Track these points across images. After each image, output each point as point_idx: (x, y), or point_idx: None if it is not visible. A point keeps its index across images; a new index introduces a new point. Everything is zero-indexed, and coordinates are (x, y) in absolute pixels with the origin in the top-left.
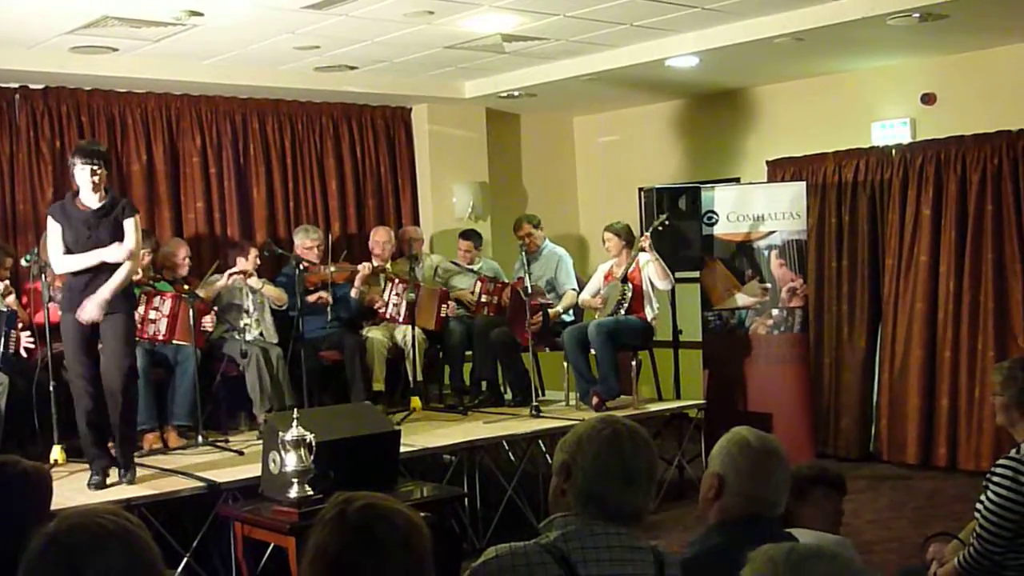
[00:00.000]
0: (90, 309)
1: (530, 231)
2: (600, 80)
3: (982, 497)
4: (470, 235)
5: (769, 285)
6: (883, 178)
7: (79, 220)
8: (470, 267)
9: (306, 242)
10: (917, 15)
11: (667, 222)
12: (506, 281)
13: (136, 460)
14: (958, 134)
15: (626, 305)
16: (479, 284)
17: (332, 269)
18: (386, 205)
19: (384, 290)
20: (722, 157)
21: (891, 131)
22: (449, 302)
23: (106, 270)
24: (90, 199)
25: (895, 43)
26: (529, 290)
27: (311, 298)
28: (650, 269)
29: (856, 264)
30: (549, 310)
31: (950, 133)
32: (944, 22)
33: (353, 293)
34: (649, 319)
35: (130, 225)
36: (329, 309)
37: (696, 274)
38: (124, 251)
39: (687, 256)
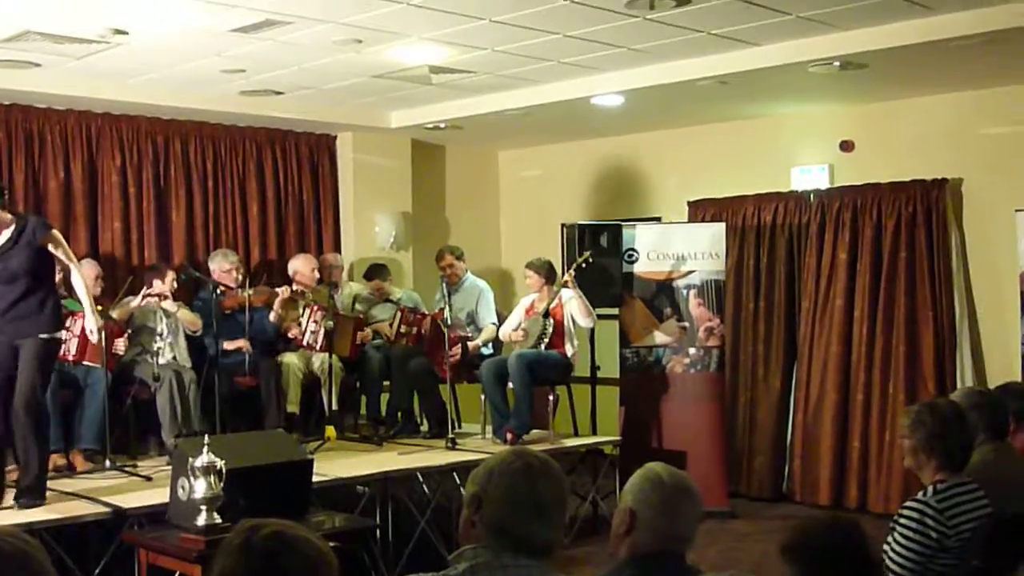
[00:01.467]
0: (90, 324)
1: (452, 262)
2: (526, 115)
3: (889, 539)
4: (372, 274)
5: (687, 324)
6: (801, 222)
7: None
8: (390, 299)
9: (224, 265)
10: (838, 63)
11: (590, 259)
12: (426, 312)
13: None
14: (874, 181)
15: (547, 340)
16: (399, 315)
17: (250, 292)
18: (307, 232)
19: (302, 317)
20: (644, 195)
21: (810, 176)
22: (366, 333)
23: (6, 294)
24: None
25: (816, 90)
26: (449, 322)
27: (230, 346)
28: (572, 306)
29: (773, 305)
30: (468, 343)
31: (867, 180)
32: (864, 72)
33: (271, 317)
34: (569, 355)
35: (54, 238)
36: (247, 342)
37: (616, 311)
38: (74, 274)
39: (608, 293)
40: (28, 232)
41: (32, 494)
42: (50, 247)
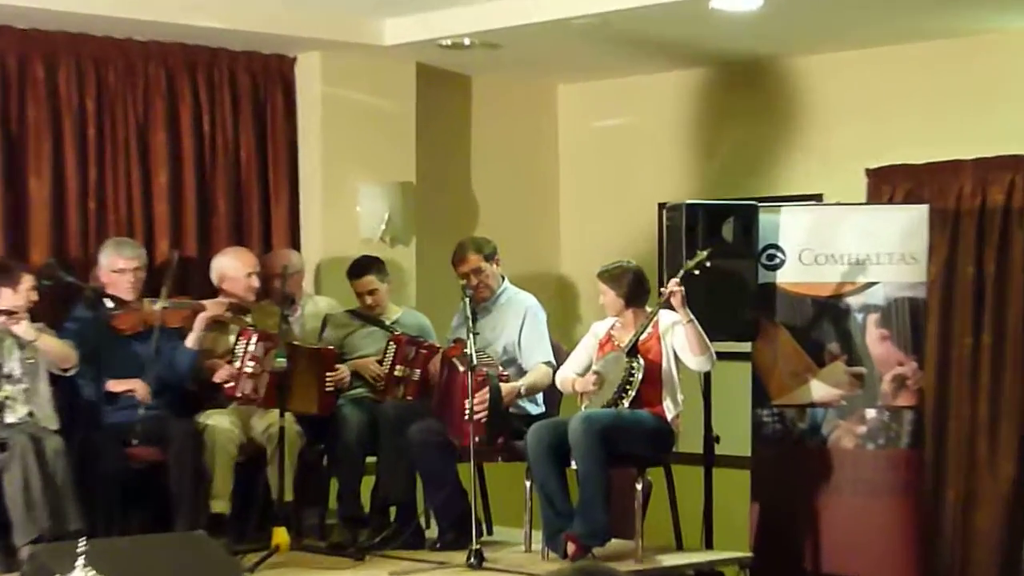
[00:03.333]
0: None
1: (479, 265)
2: (604, 26)
3: None
4: (369, 267)
5: (864, 370)
6: None
7: None
8: (379, 320)
9: (116, 263)
10: None
11: (706, 263)
12: (437, 345)
13: None
14: None
15: (633, 392)
16: (393, 347)
17: (161, 305)
18: (247, 213)
19: (236, 350)
20: (794, 160)
21: None
22: (341, 372)
23: None
24: None
25: None
26: (474, 360)
27: (116, 387)
28: (677, 337)
29: (1005, 340)
30: (505, 394)
31: None
32: None
33: (189, 343)
34: (669, 416)
35: None
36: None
37: (746, 347)
38: None
39: (734, 317)
40: None
41: None
42: None
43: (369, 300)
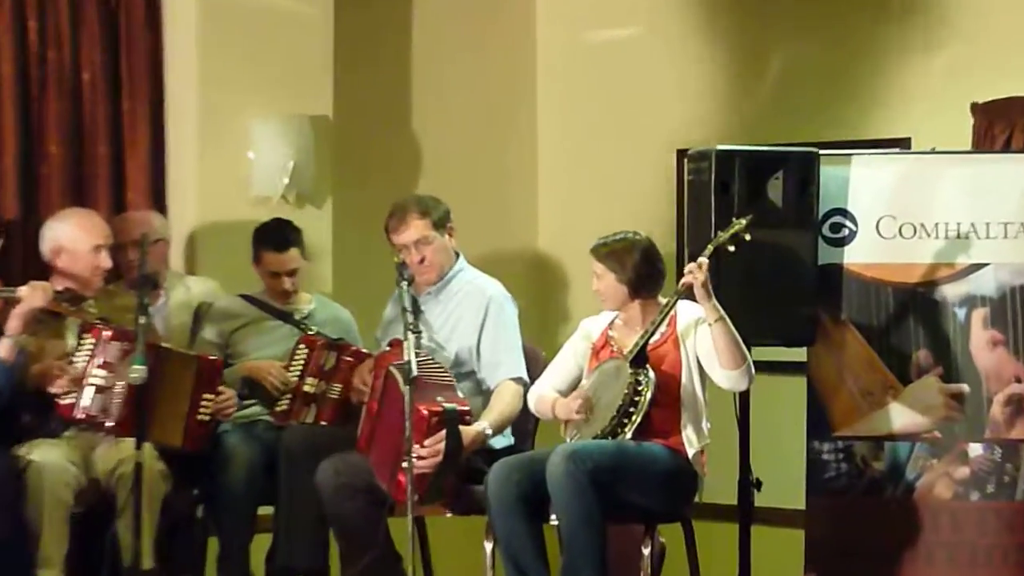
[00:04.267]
0: None
1: (424, 235)
2: None
3: None
4: (293, 238)
5: (967, 388)
6: None
7: None
8: (287, 312)
9: None
10: None
11: (744, 234)
12: (363, 349)
13: None
14: None
15: (639, 418)
16: (304, 351)
17: None
18: (90, 161)
19: (79, 352)
20: (870, 91)
21: None
22: (225, 397)
23: None
24: None
25: None
26: (414, 372)
27: None
28: (702, 341)
29: None
30: (461, 418)
31: None
32: None
33: (2, 352)
34: (691, 452)
35: None
36: None
37: (800, 355)
38: None
39: (782, 315)
40: None
41: None
42: None
43: (288, 284)
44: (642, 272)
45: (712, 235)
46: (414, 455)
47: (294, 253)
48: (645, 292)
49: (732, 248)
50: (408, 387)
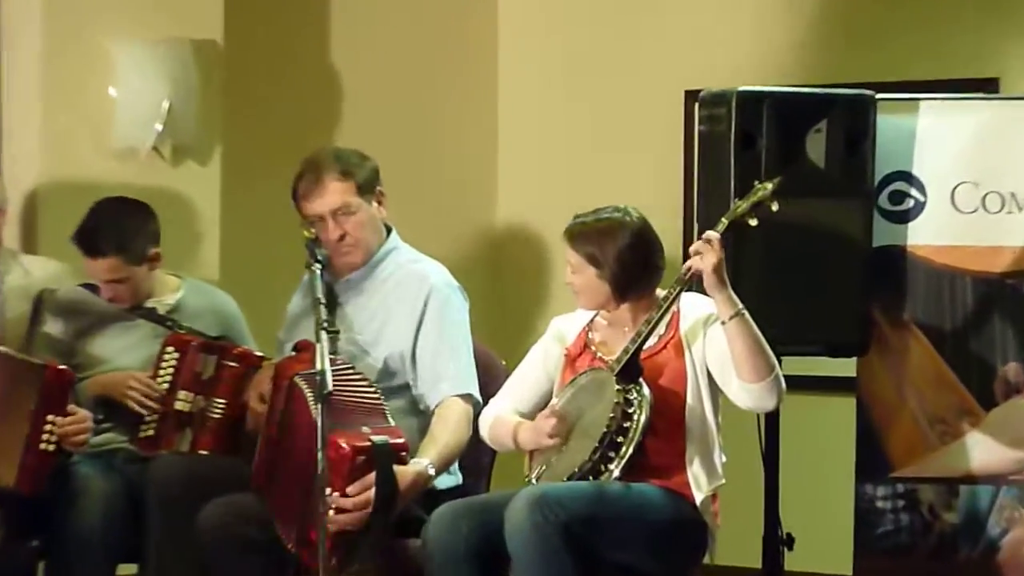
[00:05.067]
0: None
1: (346, 201)
2: None
3: None
4: (95, 242)
5: None
6: None
7: None
8: (148, 308)
9: None
10: None
11: (773, 204)
12: (254, 351)
13: None
14: None
15: (630, 448)
16: (173, 356)
17: None
18: None
19: None
20: (941, 14)
21: None
22: (78, 419)
23: None
24: None
25: None
26: (327, 387)
27: None
28: (714, 345)
29: None
30: (405, 479)
31: None
32: None
33: None
34: (699, 497)
35: None
36: None
37: (847, 367)
38: None
39: (824, 312)
40: None
41: None
42: None
43: (107, 293)
44: (631, 265)
45: (730, 204)
46: (332, 505)
47: (111, 263)
48: (637, 289)
49: (754, 222)
50: (320, 407)
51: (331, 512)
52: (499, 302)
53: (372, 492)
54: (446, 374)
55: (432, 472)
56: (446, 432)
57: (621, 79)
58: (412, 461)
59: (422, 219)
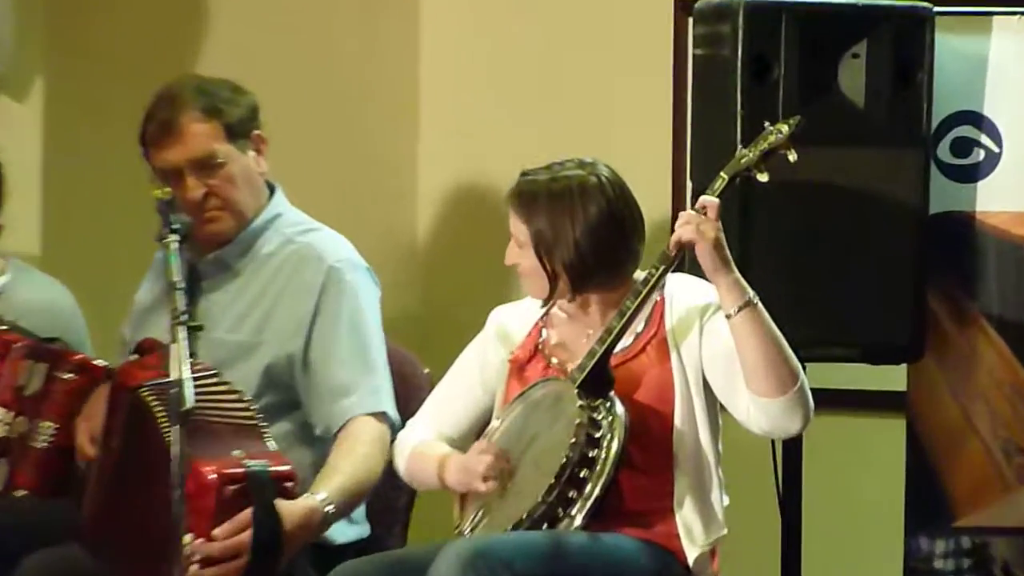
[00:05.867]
0: None
1: (212, 147)
2: None
3: None
4: None
5: None
6: None
7: None
8: None
9: None
10: None
11: (790, 151)
12: (97, 361)
13: None
14: None
15: (599, 489)
16: None
17: None
18: None
19: None
20: None
21: None
22: None
23: None
24: None
25: None
26: (187, 401)
27: None
28: (711, 345)
29: None
30: (294, 519)
31: None
32: None
33: None
34: (691, 551)
35: None
36: None
37: (896, 378)
38: None
39: (865, 298)
40: None
41: None
42: None
43: None
44: (597, 243)
45: (735, 152)
46: (193, 555)
47: None
48: (597, 282)
49: (765, 177)
50: (179, 429)
51: (192, 567)
52: (421, 290)
53: (247, 535)
54: (350, 386)
55: (331, 511)
56: (350, 461)
57: None
58: (303, 495)
59: (323, 182)
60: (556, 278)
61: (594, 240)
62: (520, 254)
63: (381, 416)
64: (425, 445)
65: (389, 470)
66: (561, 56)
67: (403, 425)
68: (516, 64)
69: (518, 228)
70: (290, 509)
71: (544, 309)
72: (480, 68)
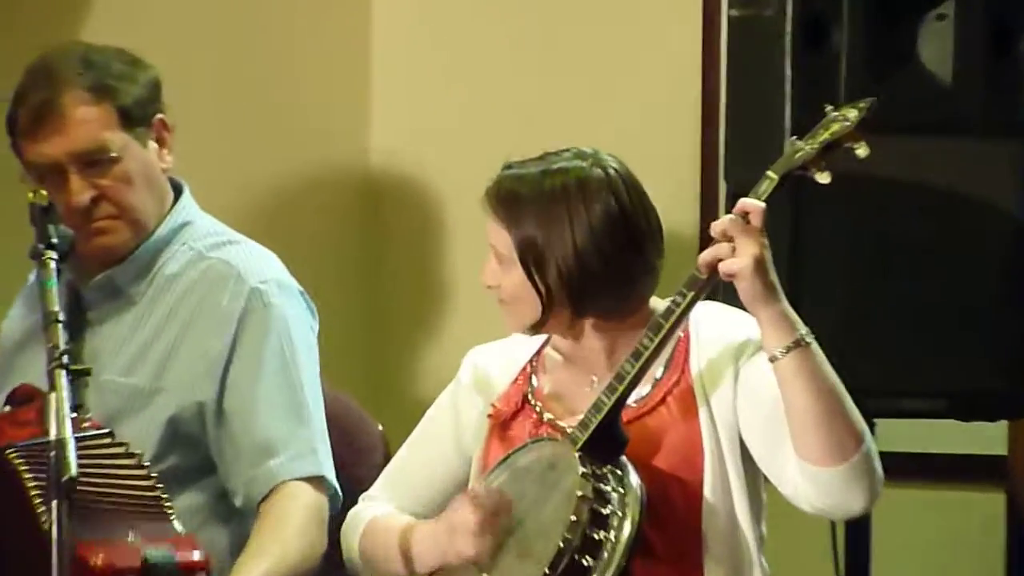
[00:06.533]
0: None
1: (103, 137)
2: None
3: None
4: None
5: None
6: None
7: None
8: None
9: None
10: None
11: (859, 145)
12: None
13: None
14: None
15: (612, 574)
16: None
17: None
18: None
19: None
20: None
21: None
22: None
23: None
24: None
25: None
26: (70, 469)
27: None
28: (750, 393)
29: None
30: (184, 573)
31: None
32: None
33: None
34: None
35: None
36: None
37: (992, 438)
38: None
39: (952, 337)
40: None
41: None
42: None
43: None
44: (602, 258)
45: (782, 147)
46: None
47: None
48: (604, 304)
49: (825, 178)
50: (58, 504)
51: None
52: (375, 314)
53: None
54: (278, 443)
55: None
56: (280, 540)
57: None
58: None
59: (245, 173)
60: (551, 297)
61: (600, 246)
62: (501, 272)
63: (318, 482)
64: (384, 517)
65: (330, 552)
66: (559, 10)
67: (348, 496)
68: (500, 19)
69: (499, 237)
70: None
71: (536, 346)
72: (453, 31)
